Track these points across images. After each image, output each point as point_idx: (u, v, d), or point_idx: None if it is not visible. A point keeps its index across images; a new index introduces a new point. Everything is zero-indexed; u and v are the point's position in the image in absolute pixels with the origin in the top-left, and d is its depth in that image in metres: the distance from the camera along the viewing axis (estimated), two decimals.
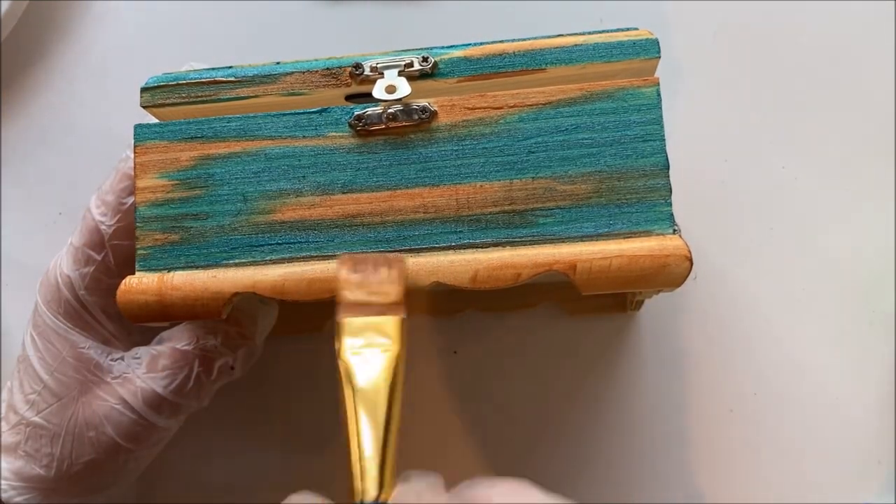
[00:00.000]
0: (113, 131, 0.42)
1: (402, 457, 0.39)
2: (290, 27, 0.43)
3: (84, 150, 0.43)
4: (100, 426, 0.31)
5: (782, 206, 0.39)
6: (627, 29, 0.30)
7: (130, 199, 0.32)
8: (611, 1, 0.42)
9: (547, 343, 0.39)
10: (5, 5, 0.42)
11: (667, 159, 0.28)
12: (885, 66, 0.40)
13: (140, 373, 0.32)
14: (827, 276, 0.39)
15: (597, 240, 0.28)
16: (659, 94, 0.28)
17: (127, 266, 0.32)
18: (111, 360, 0.32)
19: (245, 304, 0.32)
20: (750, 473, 0.37)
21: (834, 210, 0.39)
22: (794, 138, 0.40)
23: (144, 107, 0.31)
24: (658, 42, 0.29)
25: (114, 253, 0.33)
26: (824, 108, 0.40)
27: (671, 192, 0.28)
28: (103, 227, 0.32)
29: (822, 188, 0.39)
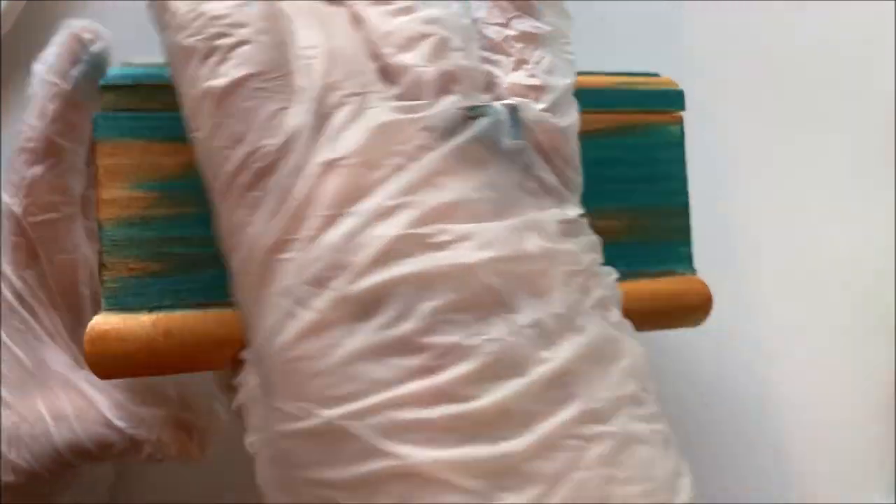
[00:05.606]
0: None
1: None
2: None
3: None
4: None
5: (782, 206, 0.39)
6: (648, 74, 0.29)
7: (31, 171, 0.28)
8: (611, 1, 0.42)
9: None
10: (4, 4, 0.42)
11: (688, 199, 0.28)
12: (886, 66, 0.40)
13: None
14: (827, 276, 0.39)
15: (625, 279, 0.26)
16: (683, 132, 0.28)
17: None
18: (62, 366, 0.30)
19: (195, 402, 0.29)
20: (750, 473, 0.37)
21: (834, 210, 0.39)
22: (794, 138, 0.40)
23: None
24: (683, 94, 0.28)
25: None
26: (824, 107, 0.40)
27: (691, 231, 0.28)
28: (16, 209, 0.29)
29: (822, 188, 0.39)
